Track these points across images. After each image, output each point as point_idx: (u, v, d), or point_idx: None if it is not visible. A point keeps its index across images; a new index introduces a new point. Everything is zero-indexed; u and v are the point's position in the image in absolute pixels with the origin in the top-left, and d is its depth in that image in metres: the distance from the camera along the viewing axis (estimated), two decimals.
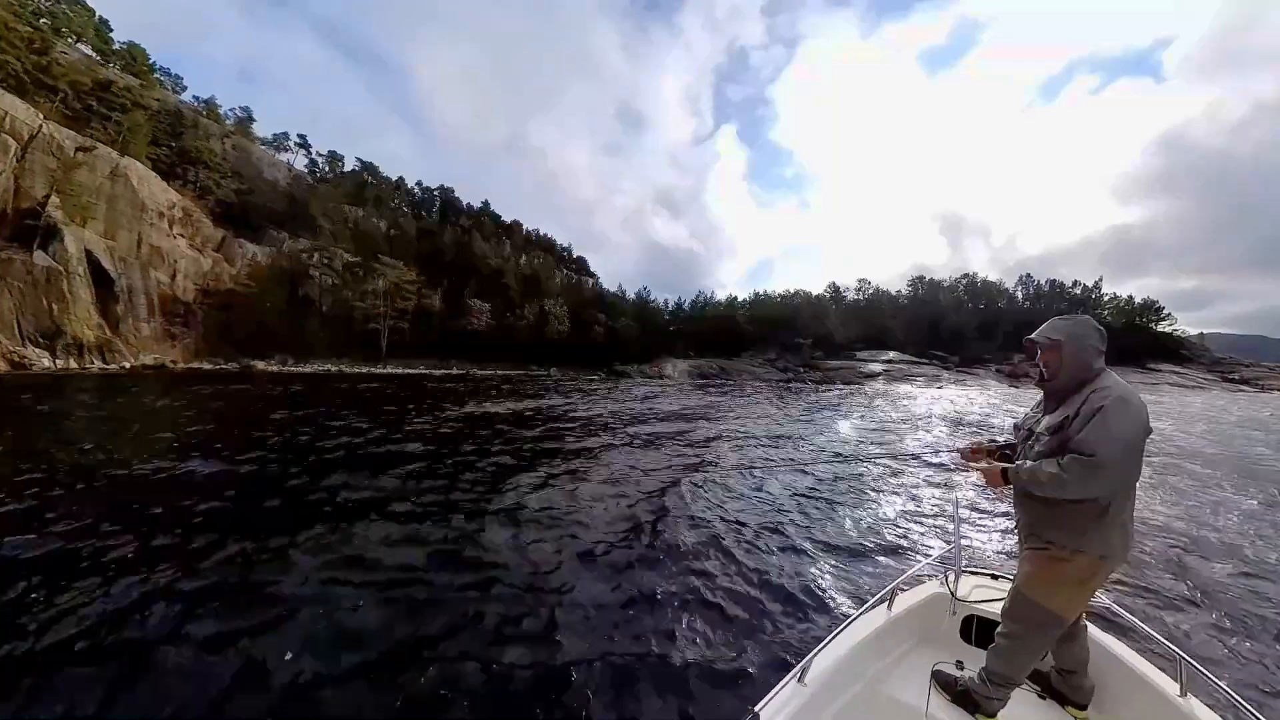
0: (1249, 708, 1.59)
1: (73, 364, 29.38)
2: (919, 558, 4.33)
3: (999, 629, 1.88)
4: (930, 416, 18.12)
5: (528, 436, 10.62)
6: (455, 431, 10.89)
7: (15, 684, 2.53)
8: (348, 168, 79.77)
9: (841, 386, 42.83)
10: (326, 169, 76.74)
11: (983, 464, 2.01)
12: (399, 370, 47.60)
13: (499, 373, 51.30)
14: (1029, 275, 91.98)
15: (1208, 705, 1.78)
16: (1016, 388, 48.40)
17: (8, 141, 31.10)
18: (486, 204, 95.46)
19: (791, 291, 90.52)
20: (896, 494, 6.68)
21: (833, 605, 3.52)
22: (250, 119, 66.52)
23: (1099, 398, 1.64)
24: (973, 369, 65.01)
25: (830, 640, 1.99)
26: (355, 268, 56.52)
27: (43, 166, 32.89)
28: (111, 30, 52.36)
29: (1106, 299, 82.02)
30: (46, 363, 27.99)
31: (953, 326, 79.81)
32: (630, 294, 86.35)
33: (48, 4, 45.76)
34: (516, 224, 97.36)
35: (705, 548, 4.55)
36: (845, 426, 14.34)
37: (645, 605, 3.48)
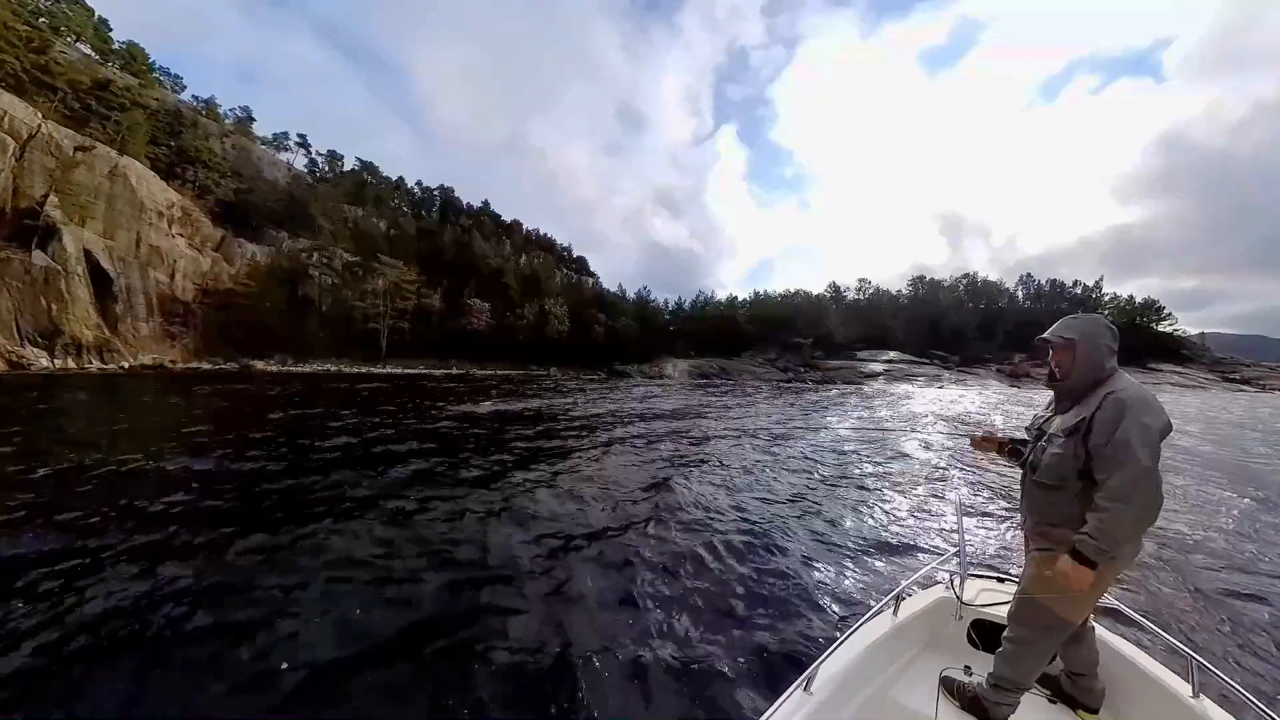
0: (1263, 707, 1.55)
1: (71, 364, 29.33)
2: (923, 561, 4.27)
3: (1005, 633, 1.86)
4: (931, 416, 18.07)
5: (527, 436, 10.56)
6: (455, 431, 10.83)
7: (26, 683, 2.51)
8: (347, 167, 79.76)
9: (842, 386, 42.77)
10: (326, 168, 76.71)
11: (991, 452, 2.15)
12: (399, 370, 47.55)
13: (499, 373, 51.24)
14: (1029, 275, 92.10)
15: (1221, 706, 1.74)
16: (1017, 387, 48.37)
17: (6, 141, 31.03)
18: (486, 204, 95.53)
19: (792, 291, 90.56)
20: (899, 495, 6.61)
21: (837, 611, 3.46)
22: (250, 118, 66.50)
23: (1118, 398, 1.60)
24: (973, 369, 64.98)
25: (836, 648, 1.95)
26: (355, 267, 56.48)
27: (41, 166, 32.82)
28: (111, 30, 52.35)
29: (1107, 299, 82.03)
30: (45, 362, 27.94)
31: (953, 326, 79.78)
32: (630, 294, 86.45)
33: (47, 3, 45.72)
34: (516, 224, 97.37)
35: (705, 551, 4.48)
36: (846, 426, 14.26)
37: (644, 610, 3.42)
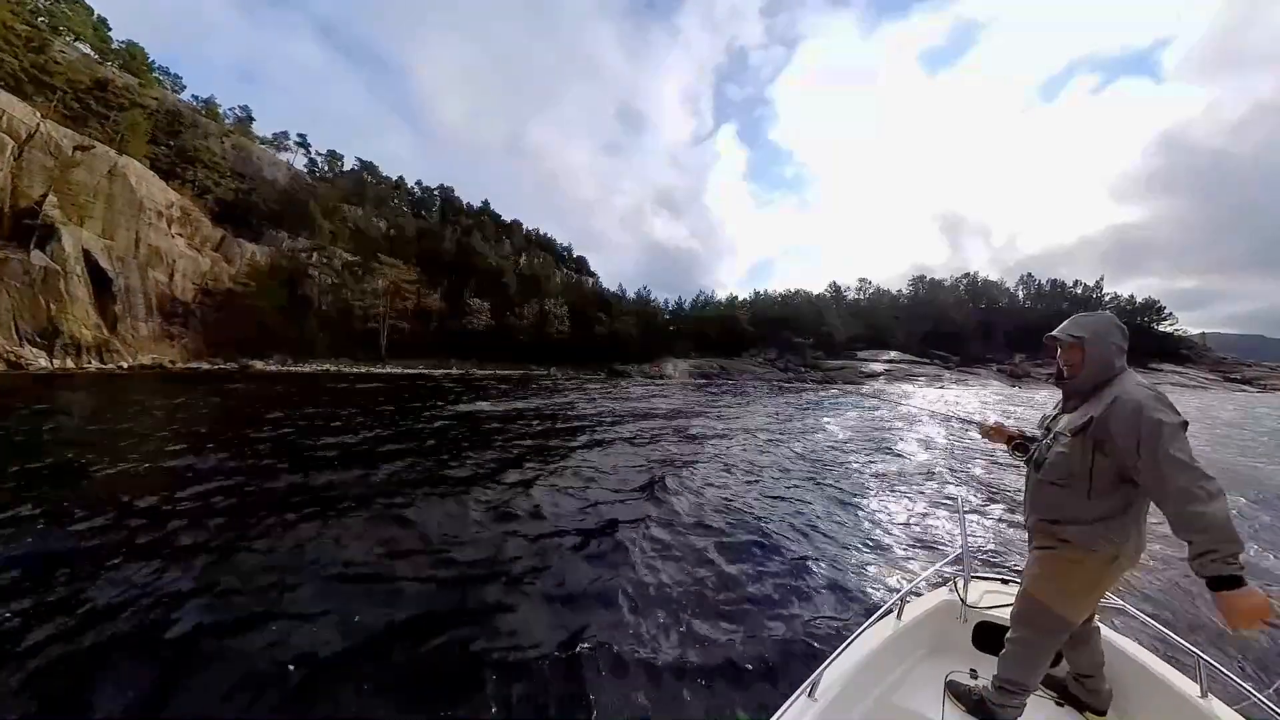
0: (1272, 707, 1.54)
1: (70, 364, 29.24)
2: (926, 564, 4.24)
3: (1008, 635, 1.85)
4: (932, 416, 17.99)
5: (527, 436, 10.49)
6: (454, 431, 10.77)
7: (27, 682, 2.50)
8: (347, 167, 79.71)
9: (843, 386, 42.71)
10: (326, 168, 76.65)
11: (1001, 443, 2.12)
12: (398, 370, 47.44)
13: (499, 372, 51.15)
14: (1030, 275, 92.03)
15: (1230, 706, 1.72)
16: (1018, 387, 48.33)
17: (5, 140, 30.95)
18: (486, 203, 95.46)
19: (792, 291, 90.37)
20: (900, 496, 6.55)
21: (840, 614, 3.42)
22: (250, 118, 66.40)
23: (1131, 398, 1.57)
24: (974, 369, 64.93)
25: (840, 652, 1.93)
26: (355, 267, 56.35)
27: (40, 166, 32.72)
28: (110, 29, 52.26)
29: (1108, 299, 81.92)
30: (44, 362, 27.86)
31: (954, 326, 79.71)
32: (630, 293, 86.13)
33: (46, 3, 45.59)
34: (516, 223, 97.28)
35: (705, 552, 4.44)
36: (846, 426, 14.19)
37: (644, 611, 3.38)
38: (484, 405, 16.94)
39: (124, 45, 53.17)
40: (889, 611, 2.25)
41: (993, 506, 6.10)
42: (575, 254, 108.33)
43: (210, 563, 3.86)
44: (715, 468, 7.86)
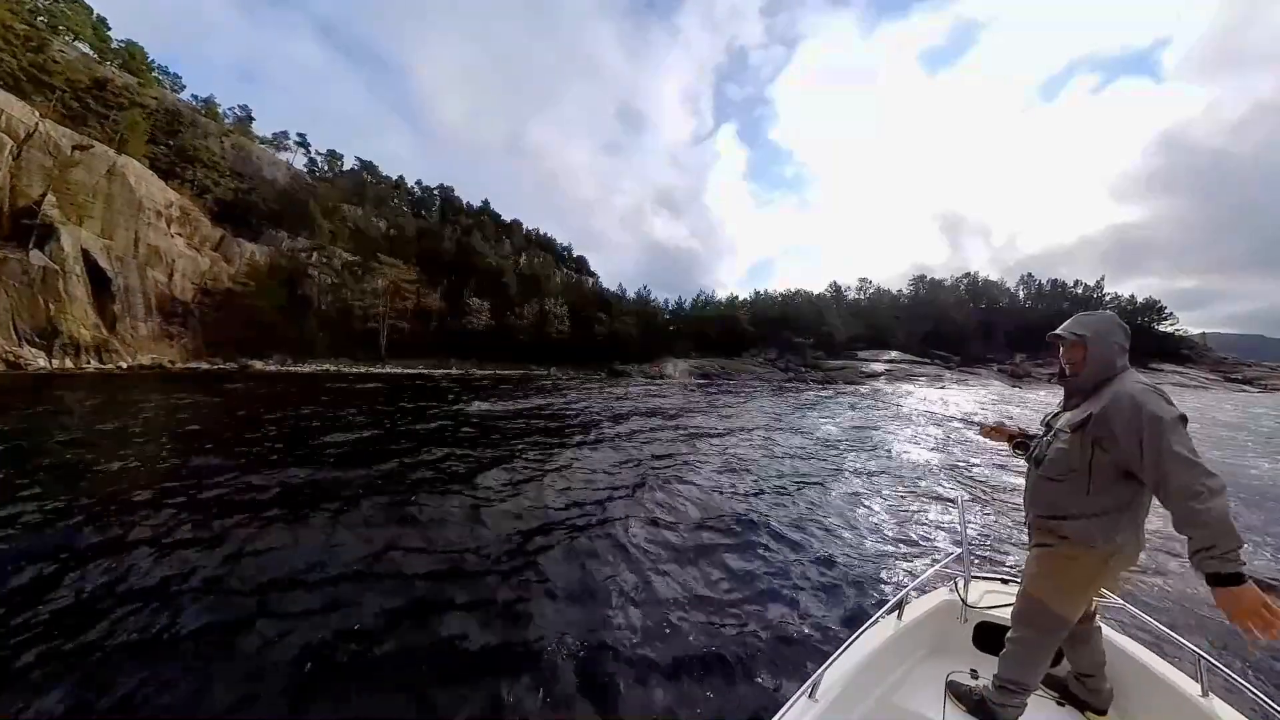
0: (1274, 706, 1.54)
1: (69, 364, 29.21)
2: (927, 564, 4.23)
3: (1008, 634, 1.86)
4: (932, 416, 17.94)
5: (526, 435, 10.44)
6: (454, 430, 10.72)
7: (27, 680, 2.51)
8: (347, 167, 79.66)
9: (844, 386, 42.70)
10: (326, 168, 76.60)
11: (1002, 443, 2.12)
12: (398, 370, 47.40)
13: (499, 372, 51.11)
14: (1030, 275, 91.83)
15: (1232, 705, 1.73)
16: (1019, 387, 48.30)
17: (4, 140, 30.91)
18: (486, 203, 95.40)
19: (792, 291, 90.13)
20: (901, 496, 6.52)
21: (840, 614, 3.41)
22: (249, 118, 66.36)
23: (1129, 394, 1.60)
24: (974, 369, 64.86)
25: (840, 653, 1.93)
26: (354, 267, 56.30)
27: (39, 165, 32.67)
28: (109, 28, 52.21)
29: (1108, 299, 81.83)
30: (43, 363, 27.83)
31: (954, 326, 79.58)
32: (630, 293, 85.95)
33: (45, 2, 45.53)
34: (516, 223, 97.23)
35: (705, 551, 4.43)
36: (846, 426, 14.14)
37: (643, 610, 3.37)
38: (484, 405, 16.90)
39: (123, 44, 53.13)
40: (889, 611, 2.26)
41: (993, 506, 6.06)
42: (575, 254, 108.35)
43: (211, 560, 3.89)
44: (715, 467, 7.81)
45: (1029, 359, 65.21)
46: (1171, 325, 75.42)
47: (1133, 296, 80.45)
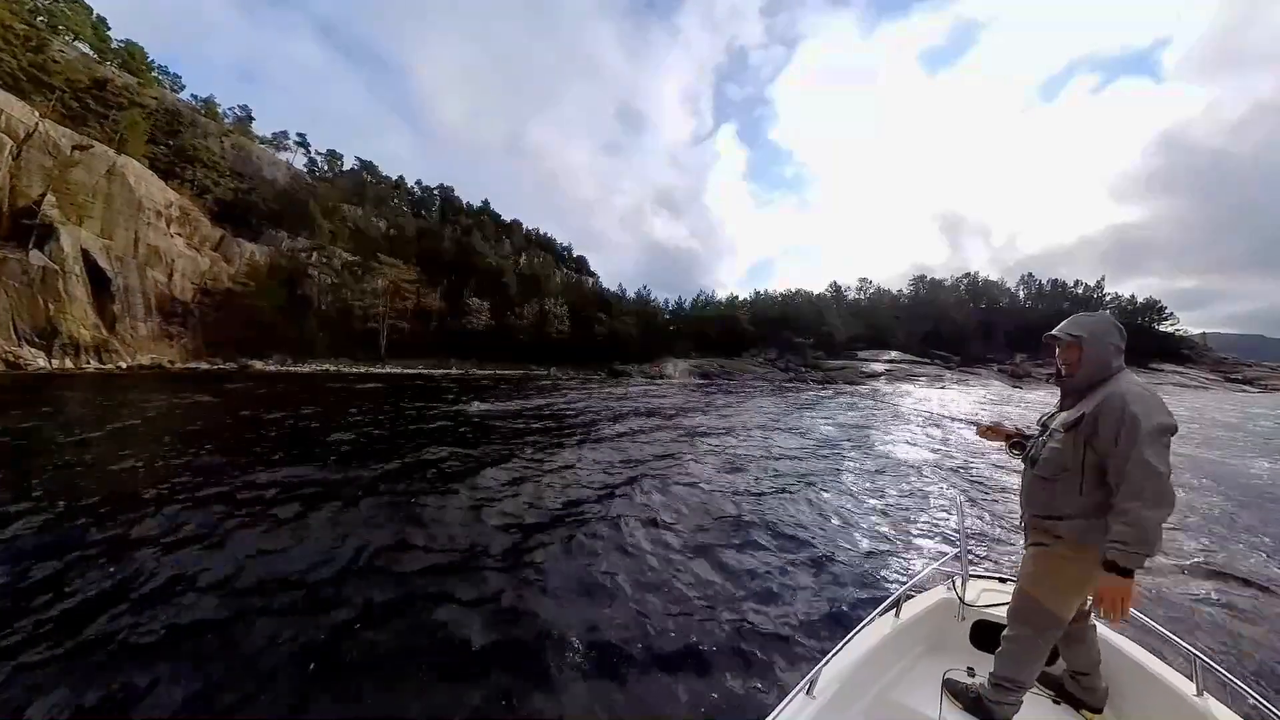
0: (1269, 706, 1.55)
1: (69, 364, 29.21)
2: (925, 562, 4.25)
3: (1004, 632, 1.89)
4: (932, 416, 17.94)
5: (527, 435, 10.44)
6: (453, 430, 10.72)
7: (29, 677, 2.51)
8: (347, 167, 79.65)
9: (844, 386, 42.70)
10: (326, 168, 76.59)
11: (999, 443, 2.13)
12: (398, 370, 47.40)
13: (499, 372, 51.12)
14: (1030, 275, 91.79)
15: (1226, 704, 1.74)
16: (1019, 387, 48.30)
17: (3, 140, 30.90)
18: (486, 203, 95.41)
19: (792, 291, 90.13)
20: (900, 495, 6.52)
21: (838, 612, 3.43)
22: (249, 118, 66.36)
23: (1120, 396, 1.63)
24: (975, 369, 64.85)
25: (838, 650, 1.96)
26: (354, 267, 56.29)
27: (39, 165, 32.67)
28: (109, 28, 52.21)
29: (1109, 299, 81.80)
30: (42, 363, 27.82)
31: (954, 326, 79.57)
32: (630, 293, 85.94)
33: (45, 2, 45.53)
34: (516, 223, 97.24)
35: (703, 549, 4.44)
36: (846, 426, 14.13)
37: (640, 607, 3.38)
38: (484, 405, 16.90)
39: (123, 44, 53.12)
40: (887, 609, 2.27)
41: (992, 506, 6.06)
42: (575, 254, 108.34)
43: (213, 559, 3.92)
44: (714, 466, 7.81)
45: (1029, 359, 65.21)
46: (1172, 325, 75.44)
47: (1133, 297, 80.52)
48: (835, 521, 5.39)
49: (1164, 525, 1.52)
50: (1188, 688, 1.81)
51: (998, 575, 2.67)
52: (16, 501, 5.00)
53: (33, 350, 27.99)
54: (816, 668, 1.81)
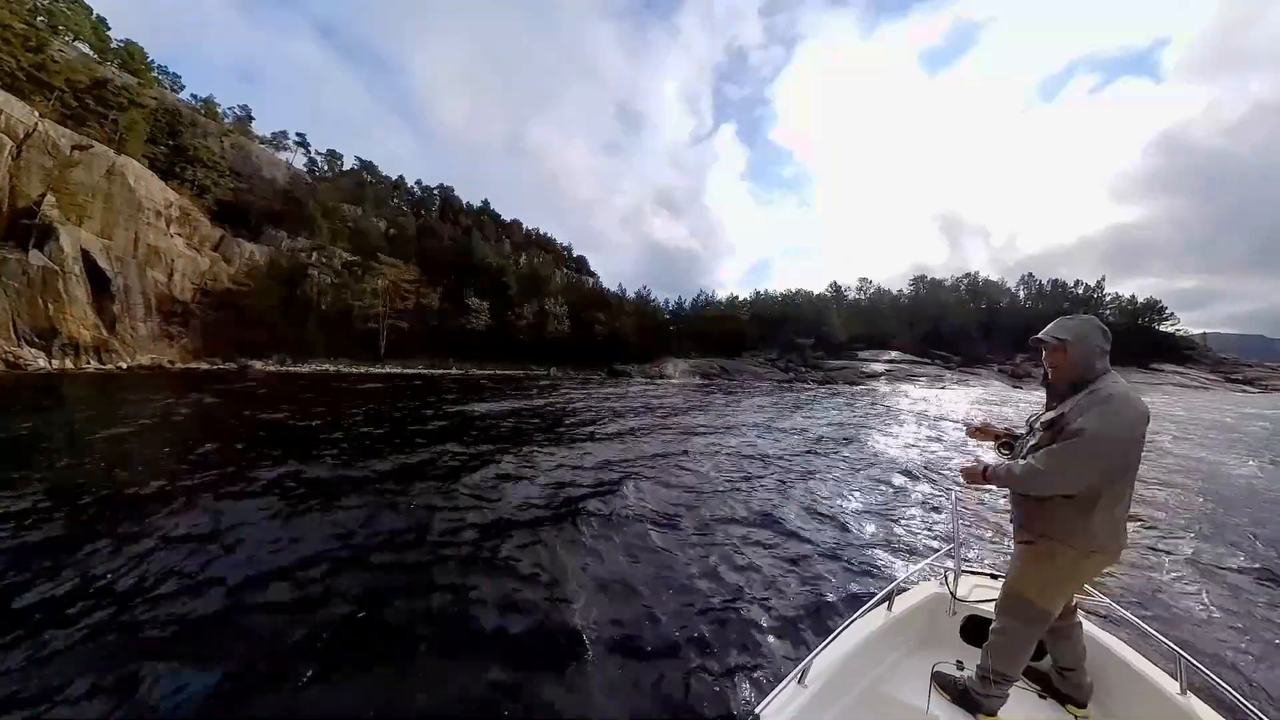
0: (1249, 706, 1.57)
1: (69, 364, 29.26)
2: (918, 558, 4.30)
3: (992, 626, 1.92)
4: (930, 415, 17.96)
5: (526, 434, 10.45)
6: (452, 429, 10.73)
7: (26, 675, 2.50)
8: (347, 166, 79.68)
9: (844, 386, 42.72)
10: (325, 168, 76.62)
11: (988, 443, 2.26)
12: (398, 370, 47.46)
13: (498, 372, 51.16)
14: (1030, 275, 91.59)
15: (1209, 703, 1.77)
16: (1019, 388, 48.31)
17: (3, 140, 30.94)
18: (486, 203, 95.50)
19: (793, 291, 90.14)
20: (895, 492, 6.56)
21: (831, 604, 3.46)
22: (249, 118, 66.41)
23: (1096, 395, 1.69)
24: (975, 369, 64.83)
25: (830, 641, 1.98)
26: (354, 267, 56.32)
27: (38, 165, 32.71)
28: (109, 28, 52.21)
29: (1109, 299, 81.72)
30: (42, 363, 27.87)
31: (954, 326, 79.51)
32: (630, 293, 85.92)
33: (45, 2, 45.55)
34: (516, 223, 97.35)
35: (699, 543, 4.48)
36: (845, 425, 14.15)
37: (635, 599, 3.42)
38: (483, 405, 16.91)
39: (123, 44, 53.11)
40: (880, 602, 2.29)
41: (985, 503, 6.09)
42: (575, 254, 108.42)
43: (215, 555, 3.95)
44: (711, 464, 7.83)
45: (1029, 359, 65.17)
46: (1172, 325, 75.33)
47: (1133, 297, 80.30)
48: (829, 517, 5.42)
49: (1049, 490, 1.73)
50: (1171, 686, 1.84)
51: (990, 571, 2.69)
52: (18, 501, 5.02)
53: (33, 350, 28.04)
54: (808, 658, 1.83)
